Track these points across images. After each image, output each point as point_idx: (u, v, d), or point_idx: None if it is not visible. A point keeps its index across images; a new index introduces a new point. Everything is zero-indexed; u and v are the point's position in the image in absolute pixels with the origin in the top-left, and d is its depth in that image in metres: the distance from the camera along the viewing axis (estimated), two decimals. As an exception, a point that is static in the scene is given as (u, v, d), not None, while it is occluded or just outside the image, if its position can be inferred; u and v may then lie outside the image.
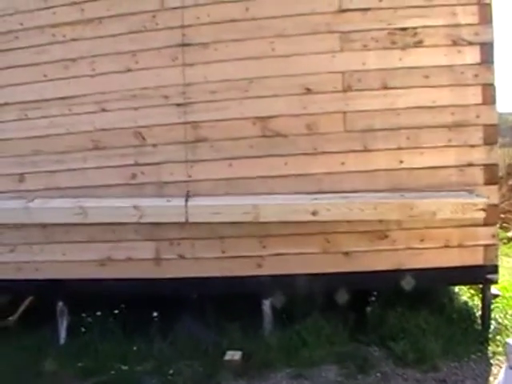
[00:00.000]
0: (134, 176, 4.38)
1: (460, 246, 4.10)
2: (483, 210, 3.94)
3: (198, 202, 4.19)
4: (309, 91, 4.13)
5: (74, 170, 4.47)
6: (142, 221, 4.24)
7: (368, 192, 4.12)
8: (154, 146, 4.34)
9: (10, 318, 4.78)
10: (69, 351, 4.28)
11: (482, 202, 3.96)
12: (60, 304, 4.56)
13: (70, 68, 4.46)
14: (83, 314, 4.46)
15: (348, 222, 4.12)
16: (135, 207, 4.21)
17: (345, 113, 4.12)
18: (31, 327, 4.54)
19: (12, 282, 4.54)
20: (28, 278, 4.52)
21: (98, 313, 4.44)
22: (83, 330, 4.38)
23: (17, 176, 4.55)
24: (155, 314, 4.36)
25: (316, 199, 4.07)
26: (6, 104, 4.57)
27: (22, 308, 4.92)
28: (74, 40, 4.46)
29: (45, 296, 4.66)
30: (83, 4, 4.43)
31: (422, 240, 4.12)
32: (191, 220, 4.16)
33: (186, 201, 4.19)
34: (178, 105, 4.28)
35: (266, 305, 4.28)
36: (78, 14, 4.44)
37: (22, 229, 4.53)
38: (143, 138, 4.35)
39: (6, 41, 4.56)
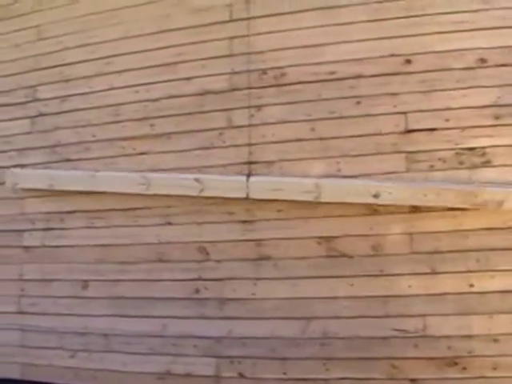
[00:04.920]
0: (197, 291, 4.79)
1: (536, 375, 4.17)
2: None
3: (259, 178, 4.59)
4: (375, 212, 4.45)
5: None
6: (203, 194, 4.66)
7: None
8: (218, 261, 4.76)
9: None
10: None
11: None
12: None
13: (138, 181, 5.01)
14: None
15: (415, 346, 4.34)
16: (197, 180, 4.65)
17: (411, 234, 4.38)
18: None
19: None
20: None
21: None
22: None
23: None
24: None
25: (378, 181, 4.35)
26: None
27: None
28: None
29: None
30: (153, 120, 5.05)
31: (495, 368, 4.22)
32: (252, 196, 4.54)
33: (248, 176, 4.58)
34: (243, 222, 4.69)
35: (329, 431, 4.43)
36: (148, 128, 5.05)
37: (83, 336, 5.00)
38: (207, 253, 4.79)
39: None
